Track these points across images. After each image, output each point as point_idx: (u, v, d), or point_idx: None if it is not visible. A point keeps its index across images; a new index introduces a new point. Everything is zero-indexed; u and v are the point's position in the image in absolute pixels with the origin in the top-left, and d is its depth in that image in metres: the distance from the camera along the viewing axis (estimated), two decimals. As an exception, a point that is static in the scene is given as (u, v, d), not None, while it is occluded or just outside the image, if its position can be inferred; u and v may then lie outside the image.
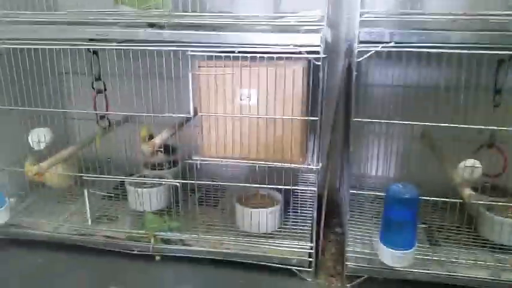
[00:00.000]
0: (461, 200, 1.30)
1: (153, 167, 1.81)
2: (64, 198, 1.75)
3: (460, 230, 1.51)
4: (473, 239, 1.48)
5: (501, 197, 1.50)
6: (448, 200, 1.33)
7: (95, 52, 1.48)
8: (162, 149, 1.40)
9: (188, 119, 1.47)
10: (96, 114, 1.56)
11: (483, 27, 1.16)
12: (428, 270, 1.35)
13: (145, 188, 1.61)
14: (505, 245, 1.42)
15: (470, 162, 1.27)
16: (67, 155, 1.49)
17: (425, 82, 1.39)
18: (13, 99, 1.53)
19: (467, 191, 1.26)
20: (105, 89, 1.57)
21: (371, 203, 1.60)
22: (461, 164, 1.29)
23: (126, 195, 1.66)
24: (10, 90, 1.50)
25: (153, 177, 1.65)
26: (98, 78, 1.53)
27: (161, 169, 1.79)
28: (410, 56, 1.18)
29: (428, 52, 1.17)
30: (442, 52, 1.16)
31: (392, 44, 1.15)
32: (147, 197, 1.58)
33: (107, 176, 1.54)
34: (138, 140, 1.65)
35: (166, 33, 1.25)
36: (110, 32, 1.29)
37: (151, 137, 1.63)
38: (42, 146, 1.46)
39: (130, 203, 1.65)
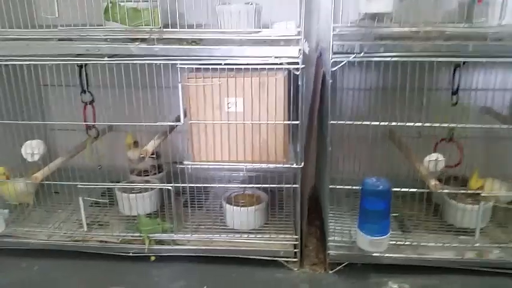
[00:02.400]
0: (428, 190, 1.46)
1: (139, 173, 1.89)
2: (53, 207, 1.80)
3: (427, 218, 1.67)
4: (439, 224, 1.65)
5: (460, 185, 1.67)
6: (416, 190, 1.49)
7: (83, 66, 1.56)
8: (154, 156, 1.48)
9: (174, 127, 1.58)
10: (86, 124, 1.63)
11: (441, 37, 1.33)
12: (401, 254, 1.51)
13: (135, 193, 1.69)
14: (467, 228, 1.59)
15: (434, 156, 1.44)
16: (59, 164, 1.56)
17: (392, 85, 1.54)
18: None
19: (433, 182, 1.42)
20: (93, 101, 1.64)
21: (346, 197, 1.75)
22: (426, 158, 1.45)
23: (112, 201, 1.74)
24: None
25: (141, 183, 1.74)
26: (86, 91, 1.60)
27: (147, 175, 1.88)
28: (378, 63, 1.33)
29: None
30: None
31: (362, 55, 1.30)
32: (139, 202, 1.66)
33: (101, 184, 1.61)
34: (124, 147, 1.74)
35: (157, 48, 1.34)
36: (101, 48, 1.37)
37: (135, 144, 1.73)
38: (36, 157, 1.52)
39: (121, 209, 1.72)
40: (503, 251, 1.51)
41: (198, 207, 1.79)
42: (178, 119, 1.53)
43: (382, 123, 1.40)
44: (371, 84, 1.77)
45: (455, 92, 1.54)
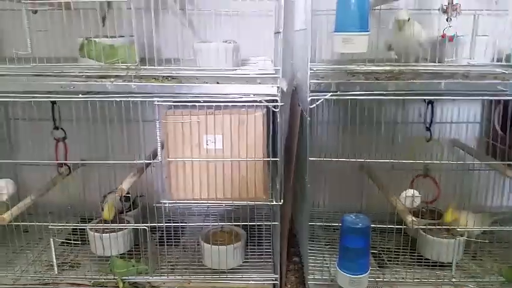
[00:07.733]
0: (405, 226, 1.47)
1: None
2: (21, 247, 1.70)
3: (403, 252, 1.67)
4: (416, 258, 1.64)
5: (436, 219, 1.68)
6: (394, 226, 1.49)
7: (55, 102, 1.52)
8: (130, 195, 1.43)
9: (148, 164, 1.55)
10: (58, 162, 1.58)
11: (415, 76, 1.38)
12: (380, 291, 1.50)
13: (108, 232, 1.62)
14: (443, 262, 1.59)
15: (410, 192, 1.46)
16: (29, 203, 1.48)
17: (366, 121, 1.57)
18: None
19: (410, 218, 1.43)
20: (65, 137, 1.58)
21: (324, 229, 1.73)
22: (403, 194, 1.47)
23: (84, 241, 1.66)
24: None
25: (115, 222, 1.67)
26: (58, 127, 1.56)
27: (121, 212, 1.81)
28: (354, 100, 1.36)
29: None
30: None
31: (338, 93, 1.32)
32: (112, 242, 1.59)
33: (73, 225, 1.54)
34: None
35: (134, 85, 1.32)
36: (75, 85, 1.33)
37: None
38: (4, 198, 1.45)
39: (92, 248, 1.65)
40: (478, 285, 1.52)
41: (174, 244, 1.73)
42: (154, 155, 1.50)
43: (361, 160, 1.41)
44: (339, 118, 1.79)
45: (428, 128, 1.58)
